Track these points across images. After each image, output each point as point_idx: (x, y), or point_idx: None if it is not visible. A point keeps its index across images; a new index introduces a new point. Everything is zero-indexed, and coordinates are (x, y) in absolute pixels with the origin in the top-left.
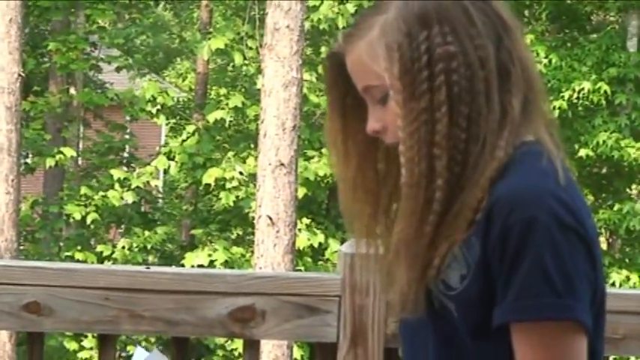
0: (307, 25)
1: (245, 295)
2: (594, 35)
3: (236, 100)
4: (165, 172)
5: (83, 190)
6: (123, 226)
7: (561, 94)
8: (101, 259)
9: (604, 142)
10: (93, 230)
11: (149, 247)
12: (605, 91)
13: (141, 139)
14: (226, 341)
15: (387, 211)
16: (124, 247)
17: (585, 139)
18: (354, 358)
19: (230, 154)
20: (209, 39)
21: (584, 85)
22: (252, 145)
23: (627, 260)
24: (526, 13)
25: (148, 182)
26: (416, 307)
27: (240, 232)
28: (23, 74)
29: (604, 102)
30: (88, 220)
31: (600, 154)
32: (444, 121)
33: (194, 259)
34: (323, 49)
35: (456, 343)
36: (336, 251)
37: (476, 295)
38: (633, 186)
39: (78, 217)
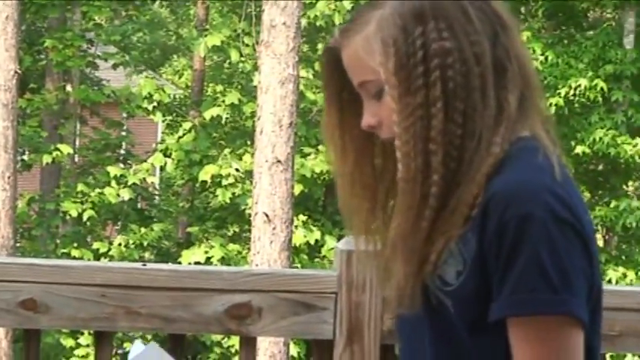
0: (304, 22)
1: (241, 292)
2: (591, 32)
3: (232, 97)
4: (162, 169)
5: (80, 187)
6: (119, 223)
7: (558, 91)
8: (97, 257)
9: (600, 139)
10: (89, 227)
11: (145, 244)
12: (602, 88)
13: (137, 136)
14: (223, 338)
15: (385, 207)
16: (120, 244)
17: (582, 136)
18: (351, 354)
19: (226, 151)
20: (205, 36)
21: (580, 82)
22: (248, 142)
23: (624, 257)
24: (522, 10)
25: (144, 179)
26: (412, 302)
27: (237, 229)
28: (20, 71)
29: (600, 99)
30: (85, 217)
31: (597, 151)
32: (439, 116)
33: (190, 256)
34: (319, 46)
35: (452, 339)
36: (332, 248)
37: (472, 291)
38: (630, 183)
39: (74, 214)
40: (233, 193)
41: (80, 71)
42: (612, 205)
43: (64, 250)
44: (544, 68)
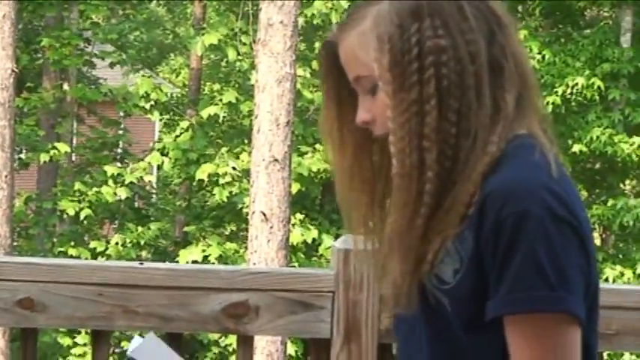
0: (301, 20)
1: (239, 291)
2: (588, 31)
3: (229, 95)
4: (159, 167)
5: (77, 185)
6: (116, 222)
7: (555, 90)
8: (95, 255)
9: (597, 137)
10: (86, 226)
11: (142, 242)
12: (599, 87)
13: (134, 135)
14: (220, 337)
15: (382, 203)
16: (117, 243)
17: (579, 135)
18: (348, 353)
19: (224, 149)
20: (203, 35)
21: (577, 80)
22: (245, 141)
23: (621, 256)
24: (519, 8)
25: (141, 178)
26: (409, 302)
27: (234, 228)
28: (17, 70)
29: (597, 97)
30: (82, 216)
31: (594, 150)
32: (433, 114)
33: (188, 255)
34: (317, 44)
35: (449, 338)
36: (329, 247)
37: (469, 289)
38: (627, 181)
39: (72, 212)
40: (230, 192)
41: (77, 70)
42: (609, 203)
43: (61, 249)
44: (541, 67)
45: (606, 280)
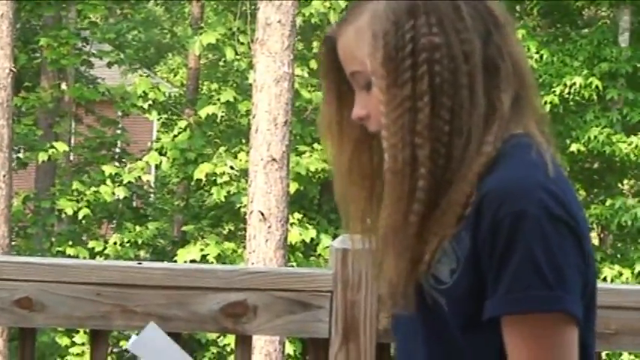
0: (299, 20)
1: (237, 291)
2: (586, 30)
3: (227, 95)
4: (157, 167)
5: (75, 185)
6: (114, 222)
7: (553, 90)
8: (93, 255)
9: (595, 137)
10: (85, 226)
11: (140, 242)
12: (597, 86)
13: (133, 135)
14: (218, 337)
15: (380, 200)
16: (115, 243)
17: (577, 134)
18: (346, 353)
19: (222, 149)
20: (200, 34)
21: (575, 80)
22: (243, 141)
23: (619, 256)
24: (517, 8)
25: (139, 177)
26: (407, 302)
27: (232, 228)
28: (15, 69)
29: (595, 97)
30: (80, 216)
31: (592, 150)
32: (425, 110)
33: (186, 254)
34: (315, 44)
35: (446, 338)
36: (327, 247)
37: (466, 289)
38: (625, 181)
39: (70, 212)
40: (228, 192)
41: (75, 69)
42: (607, 203)
43: (60, 249)
44: (539, 66)
45: (605, 279)
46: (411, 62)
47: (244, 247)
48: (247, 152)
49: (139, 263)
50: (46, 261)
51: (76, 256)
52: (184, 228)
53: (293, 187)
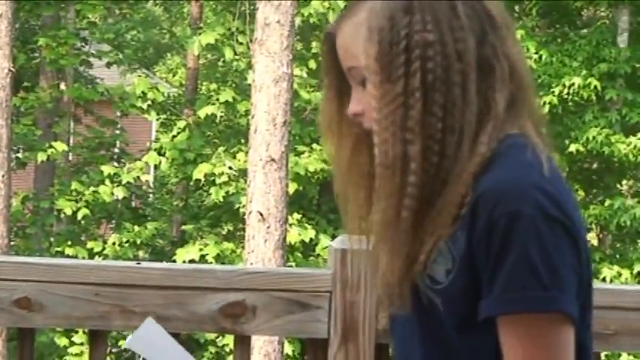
0: (298, 20)
1: (236, 291)
2: (585, 31)
3: (226, 95)
4: (156, 167)
5: (74, 185)
6: (113, 222)
7: (552, 90)
8: (92, 256)
9: (594, 137)
10: (84, 226)
11: (139, 242)
12: (596, 87)
13: (132, 135)
14: (217, 337)
15: None
16: (114, 243)
17: (576, 135)
18: (345, 353)
19: (221, 149)
20: (199, 34)
21: (574, 80)
22: (242, 141)
23: (618, 256)
24: (516, 8)
25: (138, 178)
26: (402, 302)
27: (231, 228)
28: (13, 69)
29: (594, 97)
30: (79, 216)
31: (591, 150)
32: (417, 106)
33: (185, 254)
34: (314, 44)
35: (442, 338)
36: (326, 247)
37: (462, 289)
38: (624, 182)
39: (69, 212)
40: (226, 192)
41: (74, 69)
42: (606, 203)
43: (59, 249)
44: (538, 67)
45: (604, 280)
46: (405, 58)
47: (243, 248)
48: (246, 152)
49: (138, 263)
50: (45, 261)
51: (75, 256)
52: (183, 227)
53: (292, 187)
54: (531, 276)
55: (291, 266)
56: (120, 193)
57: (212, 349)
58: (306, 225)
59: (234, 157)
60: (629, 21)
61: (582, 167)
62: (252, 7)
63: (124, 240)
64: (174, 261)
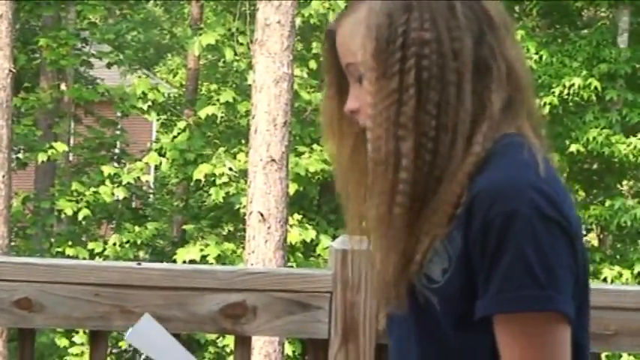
0: (298, 20)
1: (236, 292)
2: (585, 31)
3: (227, 95)
4: (156, 167)
5: (74, 185)
6: (114, 222)
7: (552, 90)
8: (93, 257)
9: (594, 138)
10: (84, 227)
11: (139, 242)
12: (596, 87)
13: (132, 135)
14: (218, 337)
15: None
16: (114, 244)
17: (576, 135)
18: (346, 354)
19: (221, 150)
20: (200, 35)
21: (574, 81)
22: (243, 141)
23: (618, 256)
24: (517, 8)
25: (138, 178)
26: (399, 302)
27: (231, 228)
28: (14, 70)
29: (595, 98)
30: (80, 216)
31: (591, 150)
32: (410, 103)
33: (185, 254)
34: (314, 44)
35: (438, 337)
36: (327, 247)
37: (458, 288)
38: (624, 182)
39: (69, 212)
40: (227, 192)
41: (74, 70)
42: (607, 204)
43: (59, 249)
44: (538, 67)
45: (604, 280)
46: (401, 55)
47: (243, 248)
48: (247, 153)
49: (138, 264)
50: (46, 262)
51: (76, 257)
52: (184, 227)
53: (292, 187)
54: (527, 275)
55: (292, 267)
56: (120, 193)
57: (212, 350)
58: (307, 225)
59: (235, 158)
60: (630, 21)
61: (583, 168)
62: (252, 8)
63: (125, 240)
64: (175, 261)
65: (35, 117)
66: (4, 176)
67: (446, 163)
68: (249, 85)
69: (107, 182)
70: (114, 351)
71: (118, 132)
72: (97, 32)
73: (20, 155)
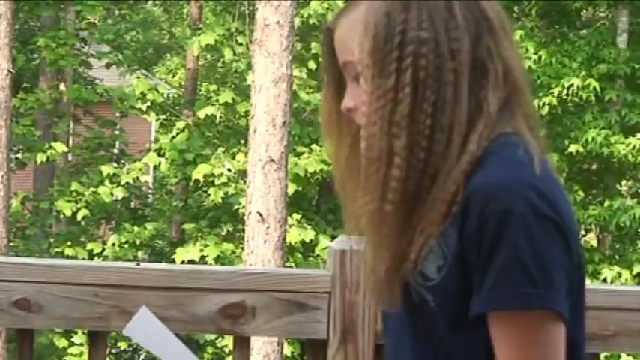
0: (297, 21)
1: (235, 292)
2: (584, 31)
3: (226, 96)
4: (156, 168)
5: (73, 186)
6: (113, 222)
7: (551, 91)
8: (92, 257)
9: (593, 138)
10: (83, 227)
11: (138, 242)
12: (595, 88)
13: (131, 135)
14: (216, 338)
15: None
16: (114, 244)
17: (575, 136)
18: (345, 354)
19: (220, 150)
20: (199, 35)
21: (573, 81)
22: (242, 142)
23: (617, 257)
24: (516, 9)
25: (137, 178)
26: (393, 299)
27: (231, 229)
28: (13, 70)
29: (594, 98)
30: (79, 217)
31: (590, 151)
32: (405, 101)
33: (184, 254)
34: (313, 45)
35: (433, 335)
36: (326, 247)
37: (453, 286)
38: (623, 182)
39: (68, 213)
40: (225, 193)
41: (73, 70)
42: (606, 204)
43: (58, 250)
44: (537, 67)
45: (604, 280)
46: (398, 54)
47: (242, 248)
48: (246, 153)
49: (137, 264)
50: (45, 262)
51: (75, 257)
52: (184, 226)
53: (291, 188)
54: (522, 273)
55: (291, 267)
56: (119, 193)
57: (211, 350)
58: (306, 226)
59: (234, 158)
60: (629, 22)
61: (582, 168)
62: (251, 8)
63: (124, 240)
64: (174, 261)
65: (34, 117)
66: (3, 176)
67: (441, 162)
68: (249, 86)
69: (106, 182)
70: (113, 351)
71: (117, 132)
72: (96, 32)
73: (19, 155)
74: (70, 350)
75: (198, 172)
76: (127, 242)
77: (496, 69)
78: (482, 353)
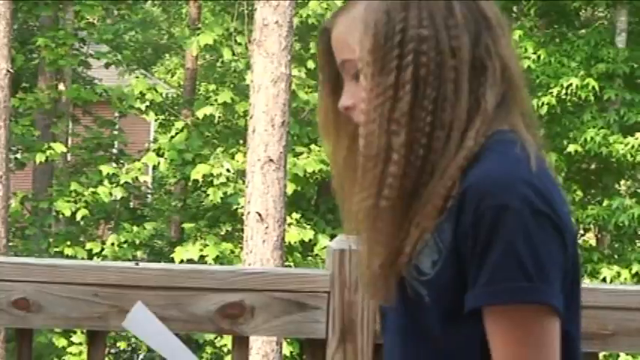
0: (296, 20)
1: (234, 292)
2: (583, 31)
3: (225, 95)
4: (154, 168)
5: (72, 186)
6: (112, 222)
7: (550, 90)
8: (91, 257)
9: (592, 138)
10: (83, 227)
11: (137, 242)
12: (594, 87)
13: (130, 135)
14: (216, 337)
15: None
16: (113, 244)
17: (574, 135)
18: (344, 354)
19: (219, 150)
20: (198, 35)
21: (572, 81)
22: (240, 141)
23: (616, 256)
24: (515, 9)
25: (136, 178)
26: (388, 294)
27: (229, 228)
28: (12, 70)
29: (592, 98)
30: (78, 217)
31: (589, 150)
32: (405, 99)
33: (183, 253)
34: (312, 45)
35: (427, 330)
36: (325, 247)
37: (447, 281)
38: (622, 182)
39: (67, 213)
40: (224, 193)
41: (72, 70)
42: (605, 203)
43: (57, 249)
44: (536, 67)
45: (604, 280)
46: (398, 52)
47: (241, 248)
48: (244, 153)
49: (136, 264)
50: (44, 262)
51: (74, 257)
52: (183, 225)
53: (290, 187)
54: (517, 268)
55: (290, 266)
56: (118, 193)
57: (210, 350)
58: (305, 225)
59: (233, 158)
60: (628, 21)
61: (580, 167)
62: (250, 8)
63: (123, 240)
64: (173, 261)
65: (33, 117)
66: (1, 176)
67: (439, 158)
68: (247, 85)
69: (105, 182)
70: (112, 351)
71: (116, 132)
72: (95, 32)
73: (18, 155)
74: (69, 350)
75: (197, 172)
76: (126, 242)
77: (494, 67)
78: (477, 348)
